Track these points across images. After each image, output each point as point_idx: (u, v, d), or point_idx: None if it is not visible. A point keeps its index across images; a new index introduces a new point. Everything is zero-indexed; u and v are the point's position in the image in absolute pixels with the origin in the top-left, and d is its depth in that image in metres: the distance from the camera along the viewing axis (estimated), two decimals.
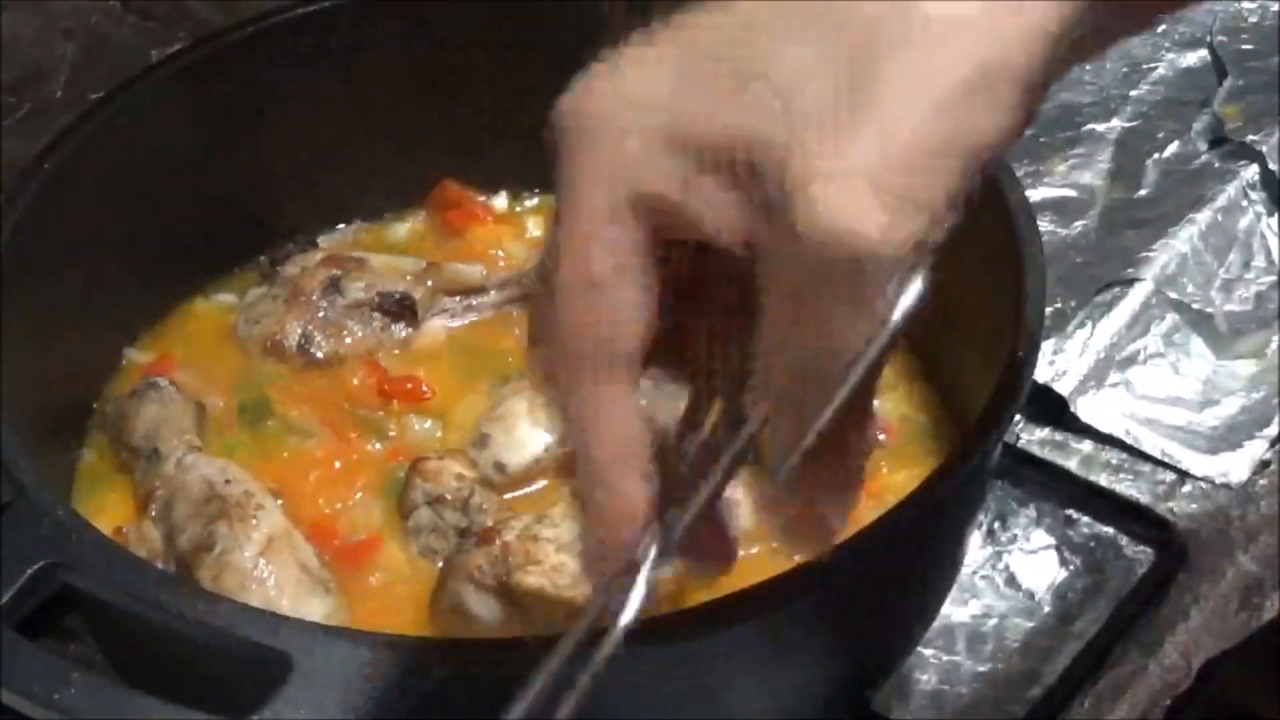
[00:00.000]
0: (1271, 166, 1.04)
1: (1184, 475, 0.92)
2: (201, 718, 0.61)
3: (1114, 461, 0.93)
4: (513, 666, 0.57)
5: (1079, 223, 1.04)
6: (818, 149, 0.45)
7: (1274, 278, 1.01)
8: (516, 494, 0.83)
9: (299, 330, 0.90)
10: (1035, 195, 1.04)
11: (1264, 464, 0.92)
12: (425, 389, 0.88)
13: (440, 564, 0.79)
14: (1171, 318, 0.98)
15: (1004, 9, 0.46)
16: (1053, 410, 0.93)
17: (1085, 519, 0.90)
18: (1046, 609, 0.86)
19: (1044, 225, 1.00)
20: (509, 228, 0.98)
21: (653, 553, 0.51)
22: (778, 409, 0.49)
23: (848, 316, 0.46)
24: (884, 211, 0.44)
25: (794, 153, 0.45)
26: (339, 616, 0.77)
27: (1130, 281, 0.99)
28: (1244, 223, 1.03)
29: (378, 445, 0.86)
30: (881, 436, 0.85)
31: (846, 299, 0.45)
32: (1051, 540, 0.89)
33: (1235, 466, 0.92)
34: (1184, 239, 1.01)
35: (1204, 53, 1.14)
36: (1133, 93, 1.12)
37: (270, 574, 0.77)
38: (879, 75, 0.45)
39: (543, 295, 0.50)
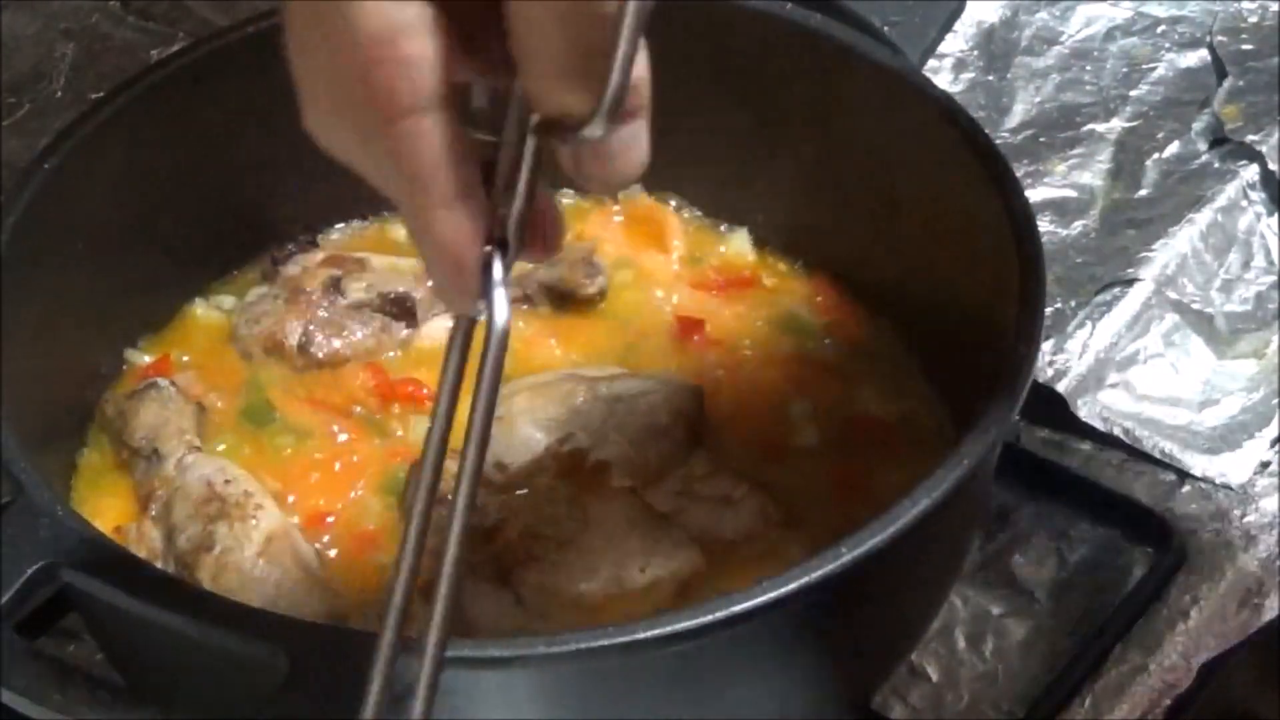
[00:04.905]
0: (1271, 166, 1.04)
1: (1184, 475, 0.92)
2: (201, 718, 0.61)
3: (1114, 461, 0.93)
4: (513, 663, 0.57)
5: (1079, 223, 1.04)
6: None
7: (1274, 278, 1.01)
8: (517, 493, 0.83)
9: (299, 330, 0.90)
10: (1035, 195, 1.04)
11: (1264, 464, 0.92)
12: (425, 390, 0.88)
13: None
14: (1171, 318, 0.98)
15: None
16: (1053, 410, 0.93)
17: (1085, 519, 0.90)
18: (1046, 609, 0.87)
19: (1044, 225, 1.00)
20: None
21: (498, 263, 0.52)
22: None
23: None
24: None
25: None
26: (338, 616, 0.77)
27: (1130, 281, 0.99)
28: (1244, 223, 1.03)
29: (378, 445, 0.86)
30: None
31: None
32: (1051, 540, 0.90)
33: (1235, 466, 0.92)
34: (1184, 239, 1.01)
35: (1204, 53, 1.14)
36: (1133, 93, 1.12)
37: (270, 574, 0.77)
38: None
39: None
